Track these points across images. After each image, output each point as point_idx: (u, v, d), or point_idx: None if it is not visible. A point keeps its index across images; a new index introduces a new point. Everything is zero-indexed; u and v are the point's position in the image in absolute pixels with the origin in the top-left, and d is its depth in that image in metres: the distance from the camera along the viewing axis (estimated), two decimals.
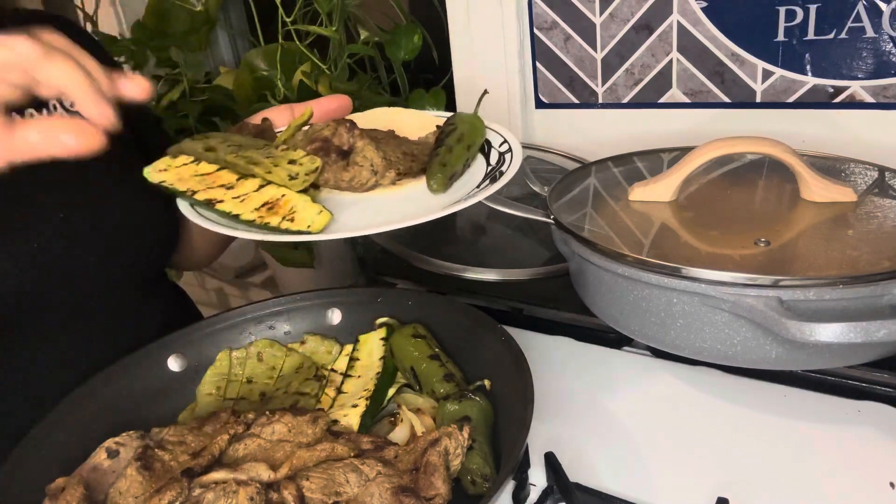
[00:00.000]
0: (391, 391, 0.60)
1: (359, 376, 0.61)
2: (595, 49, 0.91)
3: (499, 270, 0.75)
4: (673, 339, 0.57)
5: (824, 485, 0.51)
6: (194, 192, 0.55)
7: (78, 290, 0.67)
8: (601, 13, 0.89)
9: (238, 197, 0.54)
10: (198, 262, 0.90)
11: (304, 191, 0.55)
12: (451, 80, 1.05)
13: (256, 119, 0.68)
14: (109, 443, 0.53)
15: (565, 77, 0.95)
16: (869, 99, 0.77)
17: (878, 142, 0.78)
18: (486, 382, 0.56)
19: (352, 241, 0.99)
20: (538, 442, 0.56)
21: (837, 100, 0.79)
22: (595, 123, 0.96)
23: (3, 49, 0.42)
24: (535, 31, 0.94)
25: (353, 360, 0.63)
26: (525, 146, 0.98)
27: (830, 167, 0.70)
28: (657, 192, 0.67)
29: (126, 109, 0.77)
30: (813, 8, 0.76)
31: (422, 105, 1.05)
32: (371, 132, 0.63)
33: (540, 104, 0.99)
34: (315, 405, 0.59)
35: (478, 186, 0.59)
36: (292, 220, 0.52)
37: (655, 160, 0.78)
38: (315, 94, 1.03)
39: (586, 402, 0.63)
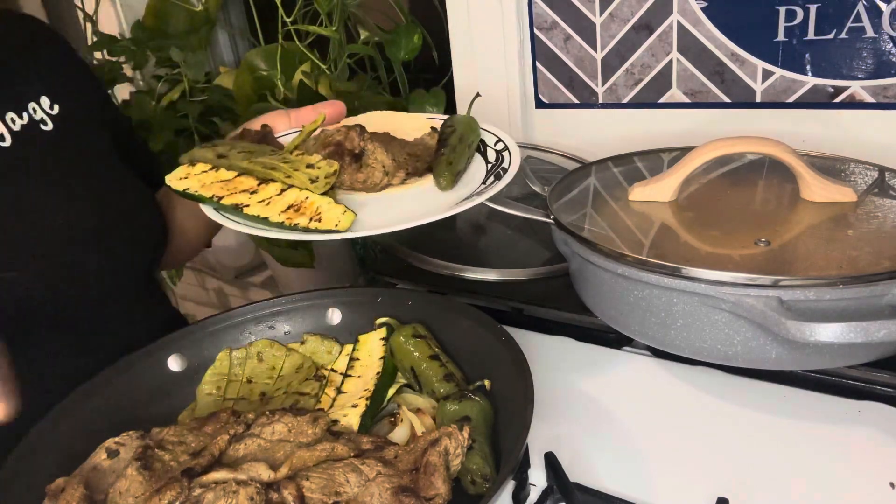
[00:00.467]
0: (391, 391, 0.60)
1: (359, 376, 0.61)
2: (595, 49, 0.91)
3: (499, 270, 0.75)
4: (673, 339, 0.57)
5: (824, 485, 0.51)
6: (220, 198, 0.58)
7: (78, 292, 0.68)
8: (601, 13, 0.89)
9: (263, 201, 0.57)
10: (181, 260, 0.93)
11: (325, 193, 0.57)
12: (451, 80, 1.05)
13: (255, 125, 0.69)
14: (109, 443, 0.53)
15: (565, 77, 0.95)
16: (869, 99, 0.77)
17: (878, 142, 0.78)
18: (486, 382, 0.56)
19: (352, 241, 0.99)
20: (538, 442, 0.56)
21: (837, 100, 0.79)
22: (595, 123, 0.96)
23: None
24: (535, 31, 0.94)
25: (353, 360, 0.63)
26: (525, 146, 0.98)
27: (830, 167, 0.70)
28: (657, 192, 0.67)
29: (105, 112, 0.76)
30: (813, 8, 0.76)
31: (422, 105, 1.05)
32: (375, 134, 0.65)
33: (540, 104, 0.99)
34: (315, 405, 0.59)
35: (483, 183, 0.62)
36: (319, 220, 0.55)
37: (655, 160, 0.78)
38: (315, 94, 1.03)
39: (586, 402, 0.63)
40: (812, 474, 0.52)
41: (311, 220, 0.55)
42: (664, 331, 0.57)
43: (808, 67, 0.79)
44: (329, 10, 1.01)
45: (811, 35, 0.77)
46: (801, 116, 0.81)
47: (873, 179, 0.67)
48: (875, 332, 0.46)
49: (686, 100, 0.88)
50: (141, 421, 0.57)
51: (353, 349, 0.64)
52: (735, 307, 0.52)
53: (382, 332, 0.64)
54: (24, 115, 0.67)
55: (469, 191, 0.61)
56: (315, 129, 0.68)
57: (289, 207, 0.56)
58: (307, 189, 0.57)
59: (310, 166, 0.59)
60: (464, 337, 0.62)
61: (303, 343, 0.67)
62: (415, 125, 0.71)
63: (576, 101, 0.96)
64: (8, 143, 0.65)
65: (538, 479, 0.54)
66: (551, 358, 0.69)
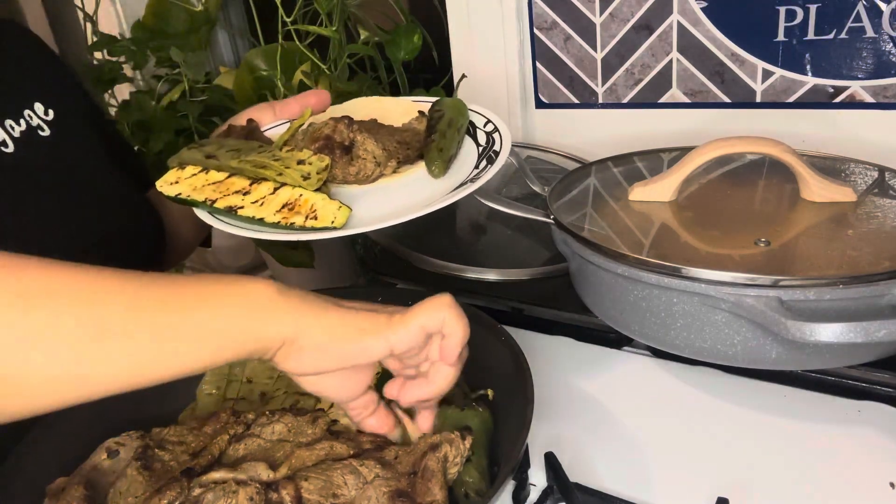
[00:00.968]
0: None
1: None
2: (595, 49, 0.91)
3: (499, 270, 0.75)
4: (673, 339, 0.57)
5: (824, 485, 0.51)
6: (213, 202, 0.57)
7: None
8: (601, 13, 0.89)
9: (257, 201, 0.56)
10: (177, 259, 0.93)
11: (318, 189, 0.57)
12: (451, 80, 1.05)
13: (240, 120, 0.69)
14: (109, 443, 0.53)
15: (565, 77, 0.95)
16: (869, 99, 0.77)
17: (878, 142, 0.78)
18: (489, 392, 0.56)
19: (352, 241, 0.99)
20: (538, 442, 0.56)
21: (837, 100, 0.79)
22: (595, 123, 0.96)
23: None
24: (535, 31, 0.94)
25: None
26: (525, 146, 0.98)
27: (830, 167, 0.70)
28: (657, 192, 0.67)
29: (92, 114, 0.76)
30: (813, 8, 0.76)
31: None
32: (363, 124, 0.64)
33: (540, 104, 0.99)
34: (315, 405, 0.59)
35: (476, 167, 0.61)
36: (315, 217, 0.54)
37: (655, 160, 0.78)
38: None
39: (586, 402, 0.63)
40: (812, 474, 0.52)
41: (307, 218, 0.54)
42: (664, 331, 0.57)
43: (808, 67, 0.79)
44: (329, 10, 1.01)
45: (811, 35, 0.77)
46: (801, 116, 0.81)
47: (873, 179, 0.67)
48: (875, 332, 0.46)
49: (686, 100, 0.88)
50: (141, 421, 0.56)
51: None
52: (735, 307, 0.52)
53: None
54: (22, 121, 0.67)
55: (462, 176, 0.60)
56: (303, 124, 0.67)
57: (283, 206, 0.55)
58: (300, 186, 0.56)
59: (300, 162, 0.58)
60: None
61: None
62: (402, 109, 0.71)
63: (576, 101, 0.96)
64: (11, 149, 0.65)
65: (538, 479, 0.54)
66: (551, 358, 0.69)
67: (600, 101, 0.94)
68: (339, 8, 1.02)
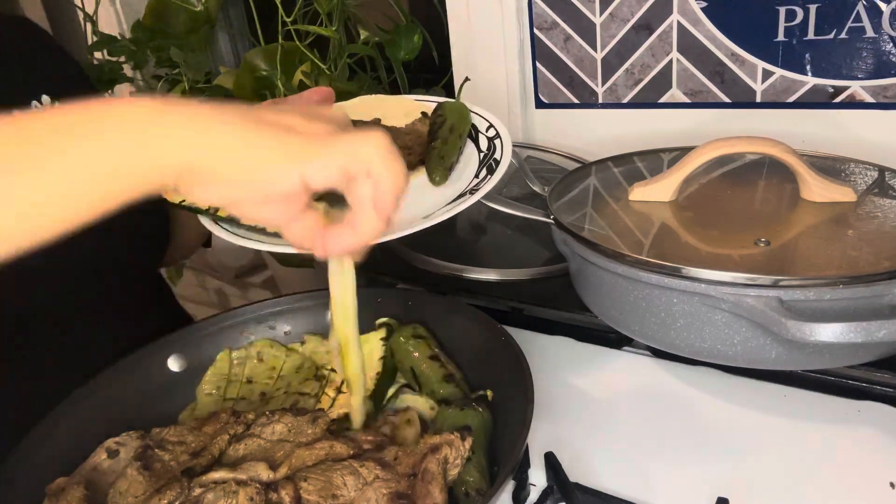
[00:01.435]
0: (391, 391, 0.60)
1: None
2: (595, 49, 0.91)
3: (499, 270, 0.75)
4: (673, 339, 0.57)
5: (824, 485, 0.51)
6: (216, 209, 0.58)
7: (79, 290, 0.68)
8: (601, 13, 0.89)
9: None
10: (180, 257, 0.94)
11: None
12: (451, 80, 1.05)
13: None
14: (109, 443, 0.53)
15: (565, 77, 0.95)
16: (869, 99, 0.77)
17: (878, 142, 0.78)
18: (489, 393, 0.56)
19: None
20: (538, 442, 0.56)
21: (837, 100, 0.79)
22: (595, 123, 0.96)
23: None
24: (535, 31, 0.94)
25: None
26: (525, 146, 0.98)
27: (830, 167, 0.70)
28: (657, 192, 0.67)
29: None
30: (813, 8, 0.76)
31: None
32: (366, 126, 0.65)
33: (540, 104, 0.99)
34: (315, 405, 0.59)
35: (476, 176, 0.61)
36: None
37: (655, 160, 0.78)
38: None
39: (586, 402, 0.63)
40: (812, 474, 0.52)
41: None
42: (664, 331, 0.57)
43: (808, 67, 0.79)
44: (329, 10, 1.01)
45: (811, 35, 0.77)
46: (801, 116, 0.81)
47: (873, 179, 0.67)
48: (875, 332, 0.46)
49: (686, 100, 0.88)
50: (141, 421, 0.57)
51: None
52: (735, 307, 0.52)
53: (382, 332, 0.64)
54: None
55: (463, 183, 0.60)
56: None
57: None
58: None
59: None
60: (464, 337, 0.62)
61: (303, 343, 0.67)
62: (405, 109, 0.70)
63: (576, 101, 0.96)
64: None
65: (538, 479, 0.54)
66: (551, 358, 0.69)
67: (600, 101, 0.94)
68: (339, 8, 1.02)
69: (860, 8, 0.73)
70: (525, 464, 0.53)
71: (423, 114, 0.68)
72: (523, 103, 0.99)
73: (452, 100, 0.70)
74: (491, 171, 0.60)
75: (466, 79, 0.75)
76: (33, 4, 1.52)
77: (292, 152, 0.38)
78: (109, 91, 1.29)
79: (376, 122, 0.67)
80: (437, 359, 0.59)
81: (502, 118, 0.70)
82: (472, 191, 0.59)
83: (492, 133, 0.66)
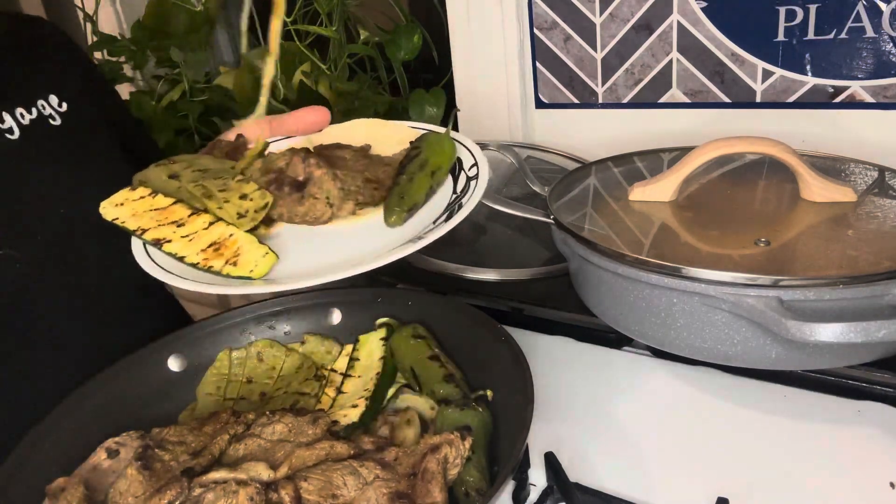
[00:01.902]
0: (391, 391, 0.60)
1: (359, 376, 0.61)
2: (595, 49, 0.91)
3: (499, 270, 0.75)
4: (673, 339, 0.57)
5: (824, 485, 0.51)
6: (144, 231, 0.54)
7: (79, 288, 0.68)
8: (601, 13, 0.89)
9: (187, 236, 0.53)
10: None
11: (255, 228, 0.54)
12: (451, 80, 1.05)
13: (230, 135, 0.67)
14: (109, 443, 0.53)
15: (565, 77, 0.95)
16: (869, 99, 0.77)
17: (878, 142, 0.78)
18: (489, 393, 0.56)
19: None
20: (538, 442, 0.56)
21: (837, 100, 0.79)
22: (595, 123, 0.96)
23: None
24: (535, 31, 0.94)
25: (353, 360, 0.63)
26: (525, 146, 0.98)
27: (830, 167, 0.70)
28: (657, 192, 0.67)
29: (112, 113, 0.78)
30: (813, 8, 0.76)
31: (422, 105, 1.05)
32: (336, 153, 0.61)
33: (540, 104, 0.99)
34: (315, 405, 0.59)
35: (434, 222, 0.56)
36: (235, 263, 0.50)
37: (655, 160, 0.78)
38: (315, 94, 1.03)
39: (586, 402, 0.63)
40: (812, 474, 0.52)
41: (226, 262, 0.50)
42: (664, 331, 0.57)
43: (808, 67, 0.79)
44: (329, 10, 1.01)
45: (811, 35, 0.77)
46: (801, 116, 0.81)
47: (873, 179, 0.67)
48: (875, 332, 0.46)
49: (686, 100, 0.88)
50: (141, 421, 0.57)
51: (353, 349, 0.64)
52: (735, 307, 0.52)
53: (382, 332, 0.64)
54: (34, 110, 0.69)
55: (419, 229, 0.55)
56: (260, 154, 0.63)
57: (210, 245, 0.52)
58: (233, 224, 0.53)
59: (243, 196, 0.55)
60: (464, 337, 0.62)
61: (303, 343, 0.67)
62: (399, 137, 0.66)
63: (576, 101, 0.96)
64: (16, 135, 0.66)
65: (538, 479, 0.54)
66: (551, 358, 0.69)
67: (600, 101, 0.94)
68: (339, 8, 1.02)
69: (860, 8, 0.73)
70: (525, 464, 0.53)
71: (412, 144, 0.63)
72: (523, 103, 0.99)
73: (440, 130, 0.65)
74: (450, 216, 0.54)
75: (457, 109, 0.73)
76: (33, 4, 1.52)
77: None
78: None
79: (365, 149, 0.63)
80: (437, 359, 0.59)
81: (502, 118, 0.69)
82: (417, 238, 0.53)
83: (473, 172, 0.60)
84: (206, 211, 0.55)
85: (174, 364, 0.64)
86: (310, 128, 0.67)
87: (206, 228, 0.53)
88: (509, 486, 0.53)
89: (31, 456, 0.52)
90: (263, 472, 0.47)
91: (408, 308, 0.67)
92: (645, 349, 0.69)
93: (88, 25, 1.32)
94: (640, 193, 0.68)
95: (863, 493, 0.50)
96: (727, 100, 0.85)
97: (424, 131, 0.66)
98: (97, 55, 1.33)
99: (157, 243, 0.53)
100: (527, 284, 0.75)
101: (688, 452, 0.56)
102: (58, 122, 0.70)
